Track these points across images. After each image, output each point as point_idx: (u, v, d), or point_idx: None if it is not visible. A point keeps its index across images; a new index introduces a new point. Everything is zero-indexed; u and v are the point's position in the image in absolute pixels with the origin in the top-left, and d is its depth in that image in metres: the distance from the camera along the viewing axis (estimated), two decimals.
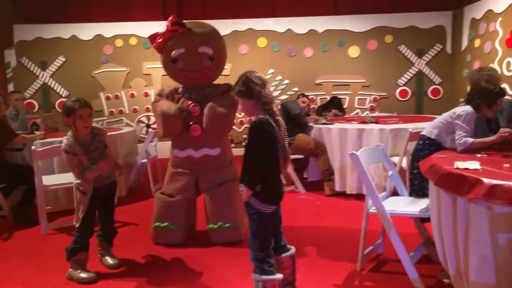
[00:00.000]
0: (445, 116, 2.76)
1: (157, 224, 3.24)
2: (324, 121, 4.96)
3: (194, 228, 3.43)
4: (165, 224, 3.19)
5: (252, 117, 2.10)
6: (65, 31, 7.46)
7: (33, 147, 3.58)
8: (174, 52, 3.13)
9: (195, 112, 3.16)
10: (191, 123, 3.16)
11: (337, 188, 4.49)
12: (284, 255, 2.20)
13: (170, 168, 3.34)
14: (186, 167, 3.24)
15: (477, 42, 6.19)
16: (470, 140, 2.51)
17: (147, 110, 7.54)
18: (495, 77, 3.07)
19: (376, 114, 6.55)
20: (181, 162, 3.26)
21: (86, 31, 7.47)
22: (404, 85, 7.41)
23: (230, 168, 3.33)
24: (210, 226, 3.20)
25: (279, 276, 2.04)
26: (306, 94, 5.68)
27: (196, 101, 3.18)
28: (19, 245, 3.37)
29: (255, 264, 2.03)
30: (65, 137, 2.65)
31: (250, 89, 2.05)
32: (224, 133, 3.28)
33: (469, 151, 2.48)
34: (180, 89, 3.28)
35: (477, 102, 2.59)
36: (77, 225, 2.66)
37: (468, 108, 2.61)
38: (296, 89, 7.37)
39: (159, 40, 3.16)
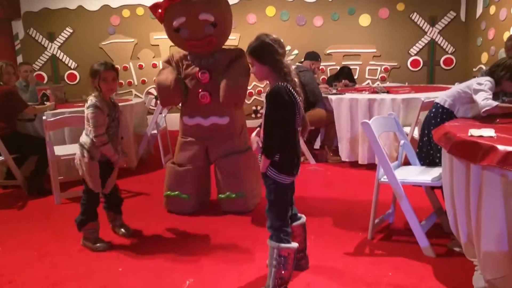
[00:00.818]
0: (462, 86, 2.70)
1: (168, 192, 3.27)
2: (334, 91, 4.90)
3: (208, 197, 3.46)
4: (176, 193, 3.22)
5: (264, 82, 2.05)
6: (71, 1, 7.36)
7: (44, 117, 3.60)
8: (175, 21, 3.06)
9: (204, 79, 3.12)
10: (200, 90, 3.13)
11: (347, 158, 4.48)
12: (295, 223, 2.21)
13: (180, 137, 3.34)
14: (195, 135, 3.24)
15: (492, 9, 5.97)
16: (495, 102, 2.45)
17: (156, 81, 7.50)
18: None
19: (387, 84, 6.45)
20: (190, 130, 3.25)
21: (93, 1, 7.36)
22: (416, 54, 7.24)
23: (240, 138, 3.31)
24: (220, 195, 3.22)
25: (294, 244, 2.03)
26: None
27: (205, 68, 3.13)
28: (33, 213, 3.44)
29: (272, 232, 2.02)
30: (91, 96, 2.61)
31: (269, 54, 1.96)
32: (240, 106, 3.24)
33: (487, 118, 2.42)
34: (189, 56, 3.22)
35: (500, 74, 2.54)
36: (97, 191, 2.67)
37: (489, 79, 2.57)
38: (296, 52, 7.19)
39: (160, 11, 3.09)
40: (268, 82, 2.05)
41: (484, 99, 2.46)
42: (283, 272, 1.99)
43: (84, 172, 2.63)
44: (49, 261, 2.55)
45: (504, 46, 3.98)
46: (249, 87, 7.04)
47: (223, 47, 3.31)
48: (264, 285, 2.06)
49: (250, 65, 2.07)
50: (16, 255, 2.66)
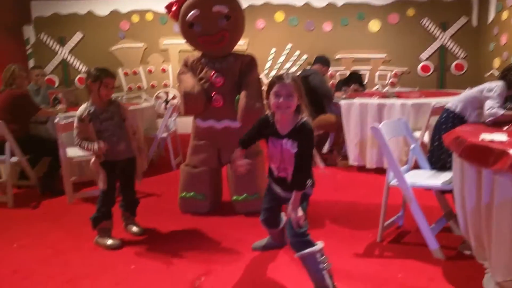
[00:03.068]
0: (473, 91, 2.72)
1: (183, 194, 3.31)
2: (344, 96, 4.92)
3: (220, 198, 3.49)
4: (191, 194, 3.26)
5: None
6: (81, 6, 7.49)
7: (56, 120, 3.66)
8: (189, 15, 3.09)
9: (218, 83, 3.15)
10: (213, 93, 3.16)
11: (356, 162, 4.49)
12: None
13: (192, 140, 3.38)
14: (208, 138, 3.28)
15: (505, 14, 5.96)
16: (501, 111, 2.47)
17: (165, 86, 7.59)
18: None
19: (397, 89, 6.45)
20: (203, 133, 3.29)
21: (102, 6, 7.49)
22: (426, 60, 7.25)
23: None
24: (235, 197, 3.25)
25: (320, 244, 2.00)
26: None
27: (218, 71, 3.16)
28: (47, 213, 3.50)
29: (301, 240, 1.96)
30: (84, 104, 2.71)
31: (302, 91, 1.98)
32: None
33: (496, 124, 2.44)
34: (203, 59, 3.26)
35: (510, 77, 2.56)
36: (103, 188, 2.71)
37: (499, 83, 2.59)
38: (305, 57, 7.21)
39: (174, 8, 3.15)
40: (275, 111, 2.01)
41: (489, 108, 2.48)
42: (326, 267, 1.97)
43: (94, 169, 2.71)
44: (63, 259, 2.60)
45: None
46: None
47: (234, 51, 3.34)
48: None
49: (285, 95, 1.94)
50: (31, 252, 2.71)
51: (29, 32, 7.50)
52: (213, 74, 3.16)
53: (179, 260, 2.52)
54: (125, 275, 2.35)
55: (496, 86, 2.57)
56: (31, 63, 7.39)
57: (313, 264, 1.94)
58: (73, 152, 3.81)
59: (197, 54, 3.34)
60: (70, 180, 3.71)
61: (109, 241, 2.74)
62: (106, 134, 2.68)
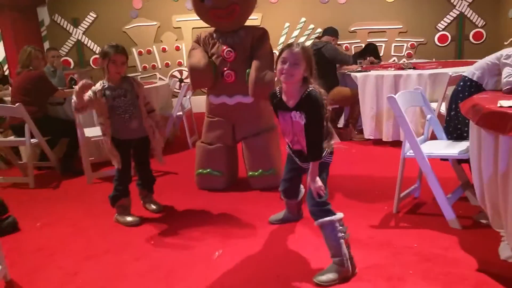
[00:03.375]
0: (491, 57, 2.62)
1: (200, 171, 3.36)
2: (359, 68, 4.84)
3: (237, 174, 3.53)
4: (208, 170, 3.31)
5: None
6: None
7: (73, 101, 3.71)
8: None
9: (229, 58, 3.14)
10: (224, 69, 3.16)
11: (372, 135, 4.45)
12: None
13: (206, 117, 3.40)
14: (221, 114, 3.29)
15: None
16: None
17: (179, 64, 7.58)
18: None
19: (414, 60, 6.30)
20: (216, 109, 3.30)
21: None
22: (443, 29, 7.03)
23: (266, 117, 3.33)
24: (251, 173, 3.28)
25: (340, 214, 2.01)
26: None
27: (230, 46, 3.15)
28: (68, 192, 3.61)
29: (322, 209, 1.98)
30: (100, 81, 2.73)
31: (313, 61, 1.96)
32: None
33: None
34: (215, 34, 3.24)
35: None
36: (118, 167, 2.75)
37: None
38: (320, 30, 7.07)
39: None
40: (285, 84, 2.00)
41: (507, 76, 2.39)
42: (347, 238, 1.99)
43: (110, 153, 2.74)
44: (84, 236, 2.68)
45: None
46: None
47: (246, 24, 3.31)
48: (332, 257, 2.00)
49: (291, 63, 1.91)
50: (53, 230, 2.81)
51: (43, 14, 7.53)
52: (225, 49, 3.14)
53: (197, 235, 2.57)
54: (145, 251, 2.42)
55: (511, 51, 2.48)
56: (46, 45, 7.44)
57: (332, 232, 1.95)
58: (91, 132, 3.89)
59: (209, 30, 3.31)
60: (89, 160, 3.79)
61: (129, 218, 2.81)
62: (119, 111, 2.71)
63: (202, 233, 2.59)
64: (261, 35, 3.21)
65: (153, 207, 3.02)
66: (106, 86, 2.68)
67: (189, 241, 2.51)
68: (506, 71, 2.42)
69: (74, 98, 2.60)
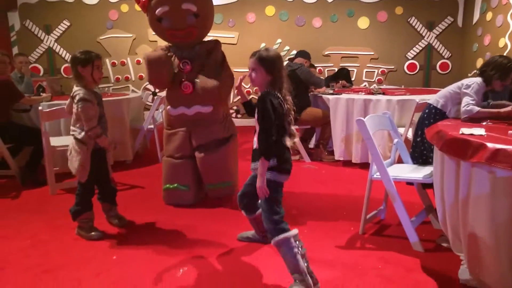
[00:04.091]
0: (453, 86, 2.75)
1: (167, 186, 3.31)
2: (331, 91, 4.95)
3: (204, 187, 3.46)
4: (175, 185, 3.26)
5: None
6: None
7: (40, 108, 3.61)
8: (158, 10, 3.12)
9: (186, 69, 3.18)
10: (182, 80, 3.18)
11: (341, 157, 4.53)
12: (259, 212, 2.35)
13: (165, 130, 3.39)
14: (180, 125, 3.29)
15: (489, 15, 6.06)
16: (476, 108, 2.51)
17: None
18: None
19: (384, 86, 6.52)
20: (175, 121, 3.30)
21: None
22: (412, 58, 7.33)
23: (224, 125, 3.33)
24: (209, 186, 3.29)
25: (294, 230, 2.04)
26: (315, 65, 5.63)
27: (187, 58, 3.20)
28: (27, 203, 3.45)
29: (273, 227, 2.00)
30: (76, 89, 2.60)
31: (277, 68, 2.01)
32: (222, 99, 3.32)
33: (474, 120, 2.48)
34: (171, 48, 3.28)
35: (490, 74, 2.59)
36: (82, 181, 2.65)
37: (477, 79, 2.62)
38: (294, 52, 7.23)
39: (143, 0, 3.16)
40: (258, 88, 2.11)
41: (465, 105, 2.53)
42: (304, 252, 2.02)
43: (76, 161, 2.60)
44: (42, 249, 2.57)
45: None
46: (246, 87, 7.23)
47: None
48: (291, 275, 2.01)
49: (250, 69, 2.06)
50: (8, 243, 2.67)
51: (14, 19, 7.35)
52: (181, 61, 3.19)
53: (161, 251, 2.51)
54: (106, 266, 2.34)
55: (473, 83, 2.60)
56: (15, 50, 7.24)
57: (288, 249, 1.98)
58: (57, 141, 3.77)
59: (164, 45, 3.36)
60: (53, 170, 3.66)
61: (90, 232, 2.72)
62: (103, 120, 2.66)
63: (167, 249, 2.53)
64: (213, 45, 3.30)
65: (117, 221, 2.92)
66: (92, 93, 2.61)
67: (153, 257, 2.44)
68: (465, 100, 2.55)
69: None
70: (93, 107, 2.57)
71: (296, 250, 1.97)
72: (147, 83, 7.52)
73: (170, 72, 3.19)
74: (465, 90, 2.59)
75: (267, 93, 1.99)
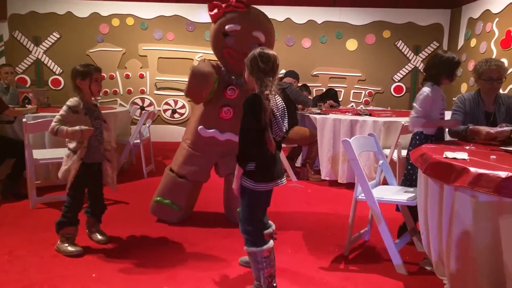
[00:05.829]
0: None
1: (159, 198, 3.25)
2: (318, 111, 4.99)
3: (192, 209, 3.45)
4: (167, 201, 3.21)
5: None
6: (60, 6, 7.35)
7: (24, 120, 3.55)
8: (229, 26, 3.07)
9: (232, 95, 3.12)
10: (223, 104, 3.11)
11: (328, 177, 4.54)
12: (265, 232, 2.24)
13: (188, 148, 3.25)
14: (207, 148, 3.19)
15: (473, 42, 6.23)
16: (421, 120, 2.60)
17: (142, 92, 7.50)
18: (501, 68, 2.86)
19: (370, 108, 6.60)
20: (202, 142, 3.19)
21: (82, 8, 7.37)
22: (399, 81, 7.46)
23: None
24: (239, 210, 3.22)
25: (271, 243, 2.07)
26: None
27: (235, 85, 3.13)
28: (7, 217, 3.36)
29: (246, 237, 2.06)
30: (72, 98, 2.63)
31: (255, 67, 2.04)
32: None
33: (461, 143, 2.51)
34: (223, 68, 3.21)
35: (434, 73, 2.63)
36: (69, 192, 2.63)
37: (424, 89, 2.65)
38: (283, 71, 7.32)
39: (217, 11, 3.11)
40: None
41: (411, 117, 2.64)
42: (270, 269, 2.08)
43: (65, 166, 2.60)
44: (20, 265, 2.49)
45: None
46: None
47: None
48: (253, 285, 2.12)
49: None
50: None
51: (2, 29, 7.30)
52: (229, 86, 3.13)
53: (143, 270, 2.46)
54: (86, 284, 2.28)
55: (421, 94, 2.65)
56: (2, 60, 7.16)
57: (254, 261, 2.07)
58: (40, 154, 3.71)
59: (219, 62, 3.28)
60: (34, 183, 3.59)
61: (70, 248, 2.65)
62: (96, 133, 2.64)
63: (148, 268, 2.48)
64: None
65: (99, 237, 2.87)
66: (86, 105, 2.61)
67: (134, 275, 2.39)
68: (411, 113, 2.65)
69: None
70: (72, 115, 2.56)
71: (260, 265, 2.05)
72: (135, 97, 7.49)
73: (210, 90, 3.08)
74: (414, 104, 2.67)
75: (253, 95, 2.01)
